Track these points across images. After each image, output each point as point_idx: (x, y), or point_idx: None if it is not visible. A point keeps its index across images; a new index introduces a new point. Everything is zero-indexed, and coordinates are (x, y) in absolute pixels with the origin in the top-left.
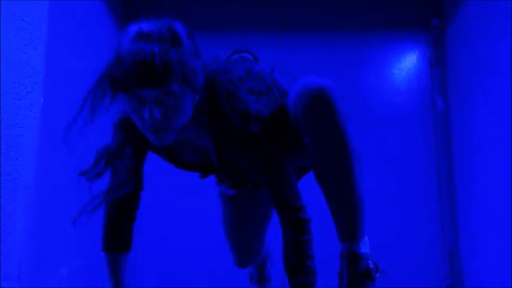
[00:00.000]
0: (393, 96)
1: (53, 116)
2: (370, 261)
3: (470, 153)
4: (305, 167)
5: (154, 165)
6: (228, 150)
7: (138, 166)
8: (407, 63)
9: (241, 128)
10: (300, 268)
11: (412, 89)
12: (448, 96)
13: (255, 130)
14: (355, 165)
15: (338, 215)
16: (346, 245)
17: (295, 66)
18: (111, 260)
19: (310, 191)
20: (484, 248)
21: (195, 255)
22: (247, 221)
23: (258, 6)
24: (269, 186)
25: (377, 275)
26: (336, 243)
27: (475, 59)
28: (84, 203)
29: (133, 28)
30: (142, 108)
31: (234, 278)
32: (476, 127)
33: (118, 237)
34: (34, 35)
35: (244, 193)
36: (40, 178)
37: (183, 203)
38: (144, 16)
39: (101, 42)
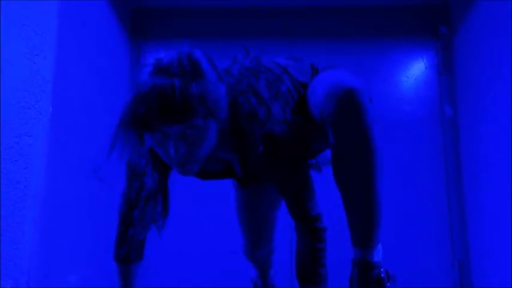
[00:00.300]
0: (402, 104)
1: (62, 125)
2: (382, 270)
3: (479, 161)
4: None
5: None
6: (252, 163)
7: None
8: (416, 71)
9: (261, 146)
10: (313, 276)
11: (421, 96)
12: (457, 104)
13: (274, 148)
14: (377, 172)
15: (354, 219)
16: (359, 251)
17: None
18: (123, 270)
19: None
20: (494, 256)
21: (200, 258)
22: (259, 203)
23: (266, 15)
24: (290, 196)
25: (388, 284)
26: (347, 249)
27: (483, 66)
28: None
29: (151, 60)
30: (167, 143)
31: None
32: (485, 134)
33: (131, 248)
34: (44, 45)
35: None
36: (49, 186)
37: (190, 206)
38: (160, 44)
39: (109, 52)
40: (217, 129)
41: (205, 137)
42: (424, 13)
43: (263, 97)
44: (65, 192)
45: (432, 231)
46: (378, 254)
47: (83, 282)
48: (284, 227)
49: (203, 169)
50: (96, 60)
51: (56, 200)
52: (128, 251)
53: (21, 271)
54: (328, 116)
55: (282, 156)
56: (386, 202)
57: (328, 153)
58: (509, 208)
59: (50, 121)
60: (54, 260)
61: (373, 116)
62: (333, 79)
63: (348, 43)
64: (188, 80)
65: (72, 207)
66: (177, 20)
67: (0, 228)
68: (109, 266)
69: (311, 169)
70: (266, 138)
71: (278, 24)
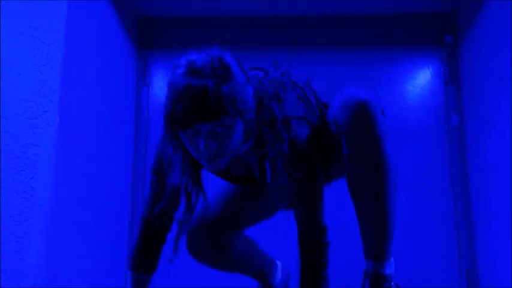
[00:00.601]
0: (408, 113)
1: (69, 135)
2: (393, 284)
3: (486, 170)
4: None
5: None
6: (272, 167)
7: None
8: (422, 80)
9: (282, 151)
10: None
11: (427, 105)
12: (463, 113)
13: (294, 155)
14: (390, 184)
15: (367, 231)
16: (371, 263)
17: None
18: (137, 280)
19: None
20: (502, 266)
21: None
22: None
23: (272, 25)
24: (301, 208)
25: None
26: (355, 260)
27: (489, 75)
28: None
29: (184, 61)
30: (197, 140)
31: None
32: (491, 143)
33: (147, 259)
34: (51, 55)
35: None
36: (55, 196)
37: None
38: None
39: (116, 62)
40: (244, 129)
41: (233, 135)
42: (429, 22)
43: (285, 107)
44: (72, 202)
45: (439, 240)
46: (390, 267)
47: None
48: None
49: (230, 173)
50: (103, 70)
51: (63, 210)
52: (145, 260)
53: (28, 281)
54: (342, 125)
55: (302, 162)
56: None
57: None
58: None
59: (57, 131)
60: (60, 271)
61: (385, 128)
62: (348, 92)
63: (353, 52)
64: (219, 82)
65: (78, 217)
66: (183, 30)
67: (7, 238)
68: (116, 276)
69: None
70: (287, 144)
71: (284, 33)
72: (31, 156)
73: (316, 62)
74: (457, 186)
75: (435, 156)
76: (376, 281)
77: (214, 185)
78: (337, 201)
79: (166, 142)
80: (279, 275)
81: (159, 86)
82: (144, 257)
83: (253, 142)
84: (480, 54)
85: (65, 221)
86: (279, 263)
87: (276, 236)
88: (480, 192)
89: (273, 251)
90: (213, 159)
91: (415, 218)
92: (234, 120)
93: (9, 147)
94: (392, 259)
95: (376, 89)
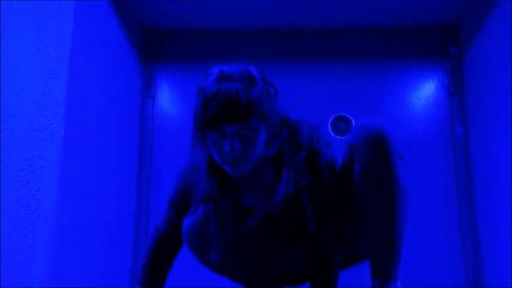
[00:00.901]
0: (412, 125)
1: (74, 148)
2: None
3: (491, 181)
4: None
5: None
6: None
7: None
8: (426, 92)
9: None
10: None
11: (431, 117)
12: (468, 124)
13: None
14: (400, 205)
15: (375, 250)
16: (378, 283)
17: (314, 96)
18: None
19: None
20: (508, 275)
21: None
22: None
23: (276, 37)
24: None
25: None
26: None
27: (493, 86)
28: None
29: (215, 70)
30: (223, 142)
31: None
32: (496, 154)
33: (154, 276)
34: (57, 68)
35: None
36: (61, 209)
37: None
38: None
39: (121, 74)
40: (268, 135)
41: (257, 139)
42: (434, 34)
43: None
44: (77, 215)
45: (445, 251)
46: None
47: None
48: None
49: (242, 202)
50: (108, 82)
51: (68, 222)
52: (154, 276)
53: None
54: (356, 144)
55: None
56: None
57: None
58: None
59: (63, 144)
60: (65, 284)
61: (398, 152)
62: (366, 119)
63: (357, 64)
64: (248, 85)
65: (83, 230)
66: (188, 42)
67: (11, 251)
68: None
69: None
70: (306, 162)
71: (288, 46)
72: (36, 169)
73: (321, 74)
74: (462, 196)
75: (440, 167)
76: None
77: None
78: None
79: (197, 148)
80: None
81: (164, 99)
82: (152, 274)
83: (275, 150)
84: (484, 65)
85: (70, 234)
86: None
87: None
88: (485, 202)
89: None
90: (237, 162)
91: (420, 228)
92: (259, 125)
93: (14, 160)
94: (399, 283)
95: (381, 100)
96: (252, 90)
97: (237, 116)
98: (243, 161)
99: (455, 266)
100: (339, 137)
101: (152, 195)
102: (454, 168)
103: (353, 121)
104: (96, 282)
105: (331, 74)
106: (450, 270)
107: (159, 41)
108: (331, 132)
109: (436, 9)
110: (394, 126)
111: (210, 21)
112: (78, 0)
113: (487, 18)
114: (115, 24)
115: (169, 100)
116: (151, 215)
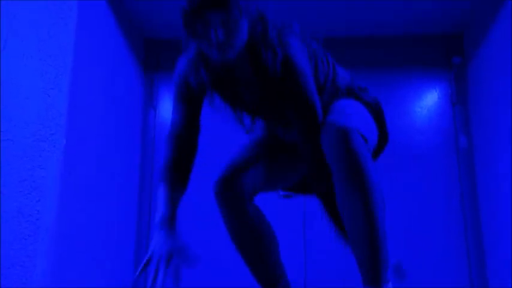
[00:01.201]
0: (416, 134)
1: (76, 158)
2: None
3: (495, 190)
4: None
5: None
6: (270, 89)
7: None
8: (429, 101)
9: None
10: None
11: (435, 126)
12: (471, 133)
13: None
14: (376, 207)
15: (359, 256)
16: None
17: None
18: (168, 189)
19: None
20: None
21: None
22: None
23: None
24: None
25: None
26: None
27: (496, 95)
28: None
29: None
30: (208, 30)
31: None
32: (500, 165)
33: (177, 170)
34: (59, 79)
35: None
36: (61, 220)
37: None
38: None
39: (123, 84)
40: (248, 26)
41: (238, 27)
42: (437, 43)
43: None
44: (77, 226)
45: (450, 260)
46: None
47: None
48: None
49: (241, 97)
50: (110, 93)
51: (68, 233)
52: (176, 173)
53: None
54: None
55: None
56: (401, 234)
57: None
58: None
59: (64, 154)
60: None
61: (367, 154)
62: (328, 118)
63: (361, 73)
64: None
65: (84, 241)
66: None
67: (12, 261)
68: None
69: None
70: (282, 64)
71: None
72: (37, 179)
73: None
74: (466, 206)
75: (444, 176)
76: None
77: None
78: None
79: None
80: None
81: (166, 108)
82: (175, 167)
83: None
84: (487, 75)
85: (71, 245)
86: None
87: None
88: (490, 212)
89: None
90: (222, 46)
91: (425, 238)
92: (241, 15)
93: (16, 170)
94: (391, 284)
95: (385, 109)
96: None
97: (219, 3)
98: (228, 45)
99: (459, 276)
100: None
101: (154, 208)
102: (457, 177)
103: None
104: None
105: None
106: (455, 280)
107: (161, 51)
108: None
109: (439, 19)
110: (398, 135)
111: None
112: (81, 11)
113: (490, 28)
114: (117, 34)
115: (171, 110)
116: (152, 229)
